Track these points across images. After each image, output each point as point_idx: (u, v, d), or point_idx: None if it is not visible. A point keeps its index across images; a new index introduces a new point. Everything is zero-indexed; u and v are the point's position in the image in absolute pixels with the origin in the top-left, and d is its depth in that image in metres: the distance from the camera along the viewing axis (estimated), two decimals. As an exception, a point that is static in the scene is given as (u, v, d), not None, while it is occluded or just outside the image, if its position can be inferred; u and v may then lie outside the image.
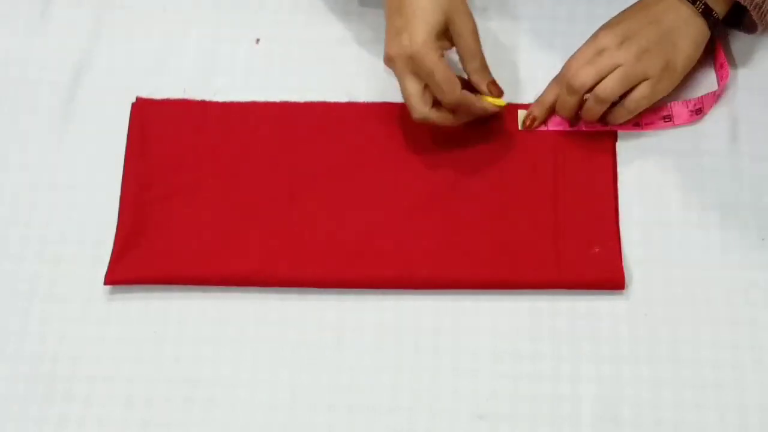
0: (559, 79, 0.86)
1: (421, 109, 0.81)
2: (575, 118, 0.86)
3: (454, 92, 0.80)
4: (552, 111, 0.86)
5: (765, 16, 0.84)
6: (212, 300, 0.82)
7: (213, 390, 0.80)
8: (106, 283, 0.82)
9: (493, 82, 0.83)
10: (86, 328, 0.82)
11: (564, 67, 0.85)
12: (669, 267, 0.82)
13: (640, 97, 0.82)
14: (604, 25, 0.85)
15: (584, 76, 0.82)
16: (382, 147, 0.87)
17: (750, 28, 0.87)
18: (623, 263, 0.81)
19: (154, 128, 0.88)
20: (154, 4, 0.94)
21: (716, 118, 0.87)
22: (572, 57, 0.85)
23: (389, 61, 0.81)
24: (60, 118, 0.90)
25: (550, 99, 0.86)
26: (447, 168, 0.85)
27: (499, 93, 0.83)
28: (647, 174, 0.85)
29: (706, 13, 0.83)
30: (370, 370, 0.80)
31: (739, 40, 0.90)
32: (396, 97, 0.88)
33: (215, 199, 0.85)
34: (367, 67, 0.90)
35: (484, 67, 0.83)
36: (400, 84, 0.82)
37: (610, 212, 0.83)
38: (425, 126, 0.85)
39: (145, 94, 0.90)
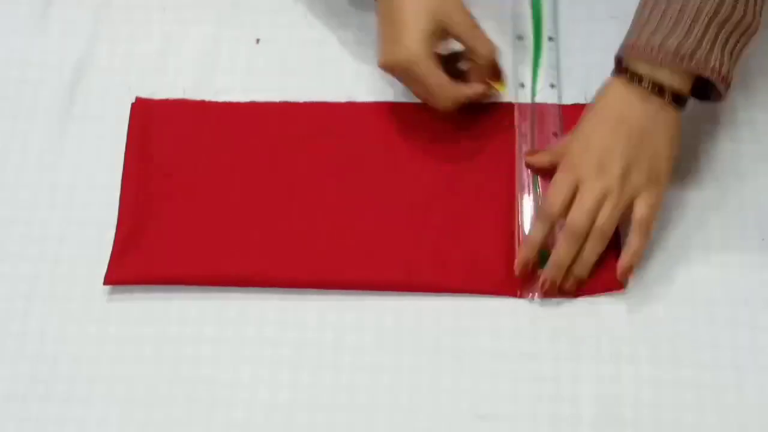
0: (543, 217, 0.79)
1: (440, 104, 0.84)
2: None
3: (447, 98, 0.83)
4: (542, 247, 0.80)
5: (729, 85, 0.78)
6: (212, 300, 0.82)
7: (213, 390, 0.80)
8: (105, 283, 0.82)
9: (495, 72, 0.85)
10: (86, 328, 0.82)
11: (547, 205, 0.79)
12: (669, 267, 0.82)
13: (643, 217, 0.78)
14: (570, 144, 0.80)
15: (581, 221, 0.77)
16: (382, 147, 0.87)
17: (716, 97, 0.80)
18: (623, 263, 0.82)
19: (154, 128, 0.88)
20: (154, 4, 0.95)
21: (716, 118, 0.87)
22: (551, 195, 0.79)
23: (385, 69, 0.83)
24: (60, 118, 0.90)
25: (539, 238, 0.79)
26: (448, 167, 0.85)
27: (500, 77, 0.85)
28: (647, 174, 0.85)
29: (677, 100, 0.77)
30: (370, 370, 0.80)
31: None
32: (396, 97, 0.88)
33: (215, 199, 0.85)
34: (367, 67, 0.90)
35: (487, 58, 0.83)
36: (405, 84, 0.84)
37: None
38: (425, 126, 0.85)
39: (145, 94, 0.90)
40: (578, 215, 0.78)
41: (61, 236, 0.85)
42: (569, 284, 0.80)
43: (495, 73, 0.85)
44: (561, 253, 0.79)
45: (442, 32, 0.81)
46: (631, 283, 0.81)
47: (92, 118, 0.90)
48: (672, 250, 0.83)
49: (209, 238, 0.84)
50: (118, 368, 0.80)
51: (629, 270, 0.79)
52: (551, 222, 0.79)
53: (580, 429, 0.77)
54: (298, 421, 0.78)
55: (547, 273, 0.80)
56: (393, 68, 0.82)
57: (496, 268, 0.81)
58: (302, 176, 0.86)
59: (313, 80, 0.90)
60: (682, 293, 0.81)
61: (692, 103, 0.84)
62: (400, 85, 0.86)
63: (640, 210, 0.78)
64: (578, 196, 0.78)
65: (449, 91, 0.82)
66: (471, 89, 0.84)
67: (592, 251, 0.79)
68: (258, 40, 0.93)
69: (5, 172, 0.88)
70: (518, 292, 0.81)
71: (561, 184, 0.79)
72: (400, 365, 0.80)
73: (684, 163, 0.85)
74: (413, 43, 0.80)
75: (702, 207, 0.84)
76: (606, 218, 0.78)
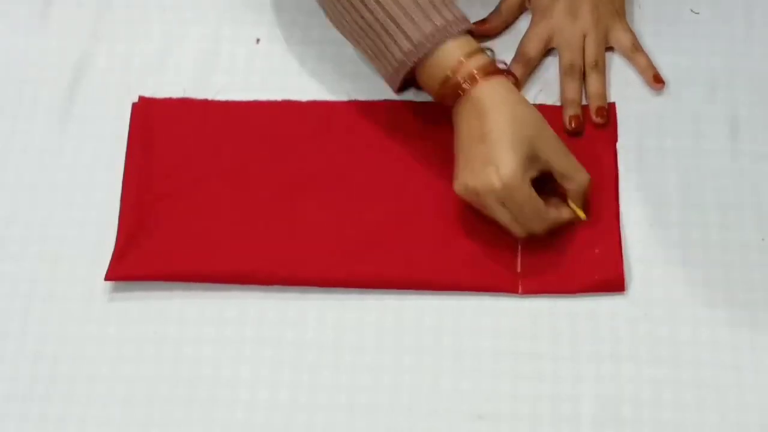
0: (521, 60, 0.88)
1: (520, 232, 0.79)
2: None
3: (543, 224, 0.79)
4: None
5: None
6: (212, 299, 0.82)
7: (213, 390, 0.80)
8: (107, 278, 0.82)
9: (584, 200, 0.81)
10: (86, 328, 0.82)
11: (525, 50, 0.88)
12: (669, 267, 0.82)
13: (630, 41, 0.88)
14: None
15: (573, 56, 0.87)
16: (383, 146, 0.87)
17: None
18: (623, 264, 0.81)
19: (156, 127, 0.88)
20: (154, 4, 0.94)
21: (716, 118, 0.87)
22: (528, 42, 0.88)
23: (472, 192, 0.78)
24: (60, 118, 0.90)
25: (517, 76, 0.86)
26: (448, 165, 0.85)
27: (586, 205, 0.81)
28: (647, 174, 0.85)
29: None
30: (370, 370, 0.80)
31: (737, 39, 0.90)
32: (395, 96, 0.88)
33: (216, 198, 0.85)
34: (367, 67, 0.90)
35: (581, 186, 0.80)
36: (487, 210, 0.79)
37: (611, 214, 0.83)
38: (426, 125, 0.85)
39: (145, 94, 0.90)
40: (568, 54, 0.87)
41: (61, 236, 0.85)
42: (597, 117, 0.86)
43: (582, 200, 0.81)
44: (568, 90, 0.87)
45: (534, 159, 0.77)
46: (631, 283, 0.81)
47: (92, 118, 0.90)
48: (672, 250, 0.83)
49: (210, 236, 0.84)
50: (118, 368, 0.80)
51: (657, 74, 0.88)
52: (529, 64, 0.88)
53: (580, 429, 0.77)
54: (298, 421, 0.78)
55: (568, 112, 0.86)
56: (485, 193, 0.77)
57: (497, 264, 0.81)
58: (303, 175, 0.86)
59: (313, 80, 0.90)
60: (682, 293, 0.81)
61: (691, 103, 0.84)
62: (400, 85, 0.86)
63: (624, 38, 0.89)
64: (561, 42, 0.88)
65: (545, 218, 0.79)
66: (562, 215, 0.80)
67: (597, 82, 0.87)
68: (258, 40, 0.93)
69: (5, 172, 0.88)
70: (519, 289, 0.81)
71: (536, 32, 0.88)
72: (401, 365, 0.80)
73: (684, 163, 0.85)
74: (512, 168, 0.75)
75: (702, 207, 0.84)
76: (593, 51, 0.87)
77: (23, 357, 0.81)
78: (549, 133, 0.79)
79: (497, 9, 0.91)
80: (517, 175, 0.76)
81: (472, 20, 0.89)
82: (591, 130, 0.87)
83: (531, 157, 0.77)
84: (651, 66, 0.88)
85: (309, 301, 0.82)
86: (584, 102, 0.88)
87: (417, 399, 0.79)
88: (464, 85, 0.78)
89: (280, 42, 0.92)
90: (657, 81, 0.87)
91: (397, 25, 0.78)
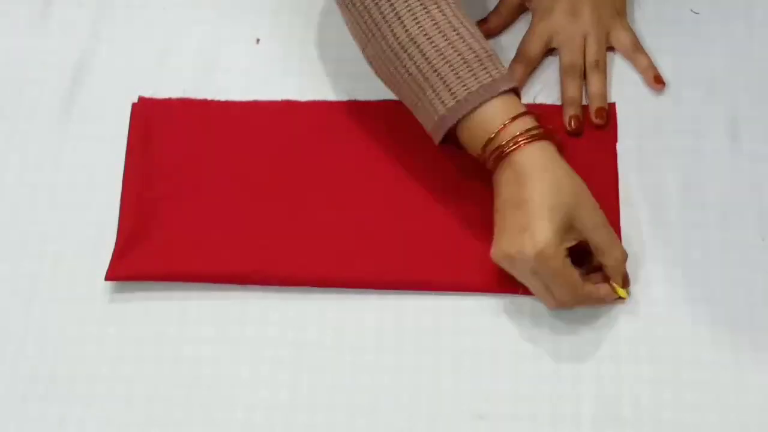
0: (522, 59, 0.88)
1: (552, 304, 0.78)
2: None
3: (576, 297, 0.76)
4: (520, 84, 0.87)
5: None
6: (212, 300, 0.82)
7: (213, 390, 0.80)
8: (107, 278, 0.82)
9: (624, 278, 0.79)
10: (86, 328, 0.82)
11: (525, 50, 0.88)
12: (669, 267, 0.82)
13: (631, 40, 0.89)
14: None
15: (574, 56, 0.87)
16: (383, 146, 0.87)
17: None
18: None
19: (156, 127, 0.88)
20: (154, 4, 0.95)
21: (716, 118, 0.87)
22: (529, 41, 0.88)
23: (506, 259, 0.76)
24: (60, 118, 0.90)
25: (516, 77, 0.87)
26: (449, 167, 0.85)
27: (626, 284, 0.79)
28: (647, 174, 0.85)
29: None
30: (370, 370, 0.80)
31: (737, 38, 0.90)
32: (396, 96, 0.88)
33: (216, 198, 0.85)
34: (368, 67, 0.90)
35: (618, 262, 0.78)
36: (519, 279, 0.78)
37: (611, 214, 0.83)
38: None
39: (145, 94, 0.90)
40: (569, 53, 0.88)
41: (61, 236, 0.85)
42: (597, 119, 0.86)
43: (622, 278, 0.79)
44: (569, 89, 0.87)
45: (570, 228, 0.75)
46: (631, 283, 0.81)
47: (92, 118, 0.90)
48: (672, 250, 0.83)
49: (210, 236, 0.84)
50: (118, 368, 0.80)
51: (657, 74, 0.88)
52: (529, 64, 0.88)
53: (580, 429, 0.77)
54: (298, 421, 0.78)
55: (568, 112, 0.86)
56: (518, 260, 0.75)
57: (498, 264, 0.81)
58: (303, 175, 0.86)
59: (313, 80, 0.90)
60: (682, 293, 0.81)
61: (691, 103, 0.85)
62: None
63: (624, 38, 0.89)
64: (562, 42, 0.88)
65: (579, 291, 0.76)
66: (599, 291, 0.78)
67: (598, 82, 0.87)
68: (258, 40, 0.93)
69: (5, 172, 0.88)
70: (519, 289, 0.81)
71: (536, 32, 0.89)
72: (401, 365, 0.80)
73: (684, 163, 0.85)
74: (547, 236, 0.73)
75: (702, 207, 0.84)
76: (594, 51, 0.87)
77: (23, 357, 0.81)
78: (589, 203, 0.76)
79: (497, 9, 0.91)
80: (552, 244, 0.73)
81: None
82: (591, 131, 0.87)
83: (568, 227, 0.74)
84: (652, 66, 0.88)
85: (309, 301, 0.82)
86: (584, 102, 0.88)
87: (417, 399, 0.79)
88: (506, 149, 0.76)
89: (280, 42, 0.93)
90: (657, 81, 0.87)
91: (442, 80, 0.76)
